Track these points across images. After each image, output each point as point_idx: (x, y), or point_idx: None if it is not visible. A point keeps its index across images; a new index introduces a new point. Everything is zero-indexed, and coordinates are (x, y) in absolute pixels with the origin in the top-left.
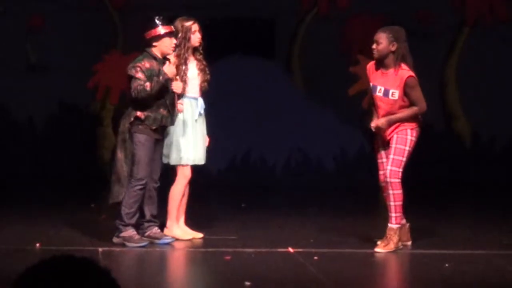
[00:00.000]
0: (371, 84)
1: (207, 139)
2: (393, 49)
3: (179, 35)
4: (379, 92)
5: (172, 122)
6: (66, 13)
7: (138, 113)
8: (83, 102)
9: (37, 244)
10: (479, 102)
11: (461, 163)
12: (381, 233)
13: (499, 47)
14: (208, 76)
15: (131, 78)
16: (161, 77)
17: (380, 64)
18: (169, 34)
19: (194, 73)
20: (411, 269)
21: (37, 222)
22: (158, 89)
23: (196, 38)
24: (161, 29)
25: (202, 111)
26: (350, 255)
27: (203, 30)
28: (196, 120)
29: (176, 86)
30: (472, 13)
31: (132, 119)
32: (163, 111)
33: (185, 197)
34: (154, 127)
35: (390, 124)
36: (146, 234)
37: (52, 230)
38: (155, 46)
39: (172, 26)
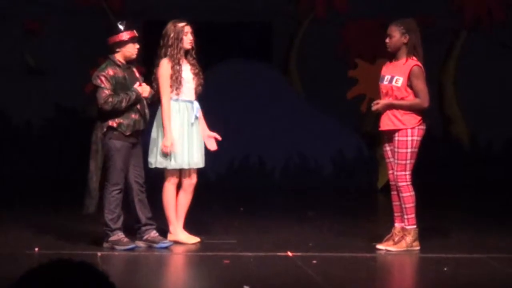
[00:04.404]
0: (381, 76)
1: (214, 140)
2: (405, 41)
3: (171, 35)
4: (385, 81)
5: (145, 125)
6: (64, 17)
7: (110, 122)
8: (80, 105)
9: (36, 249)
10: (477, 105)
11: (459, 166)
12: (381, 236)
13: (497, 51)
14: (202, 81)
15: (96, 87)
16: (134, 95)
17: (393, 56)
18: (133, 40)
19: (189, 77)
20: (410, 272)
21: (35, 226)
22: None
23: (188, 40)
24: (125, 35)
25: (198, 114)
26: (349, 259)
27: (201, 33)
28: (192, 124)
29: (143, 90)
30: (470, 16)
31: (105, 129)
32: (134, 116)
33: (186, 202)
34: (128, 133)
35: (390, 107)
36: (144, 238)
37: (50, 234)
38: (118, 51)
39: (135, 31)
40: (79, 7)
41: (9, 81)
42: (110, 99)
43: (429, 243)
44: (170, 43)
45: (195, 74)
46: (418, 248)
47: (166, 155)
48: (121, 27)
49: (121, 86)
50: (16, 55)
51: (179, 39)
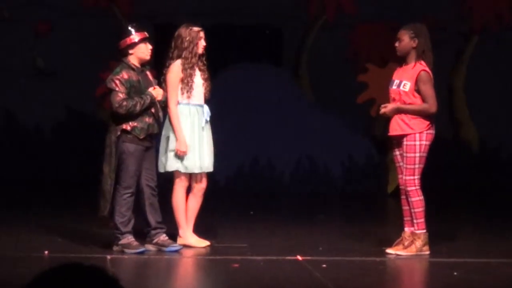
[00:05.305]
0: (391, 80)
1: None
2: (414, 45)
3: (187, 38)
4: (394, 86)
5: (159, 128)
6: (74, 20)
7: (124, 126)
8: (90, 109)
9: (45, 252)
10: (486, 109)
11: (469, 170)
12: (391, 240)
13: (506, 55)
14: (210, 86)
15: (110, 90)
16: (148, 99)
17: (403, 60)
18: (144, 40)
19: (199, 81)
20: (419, 277)
21: (45, 229)
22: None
23: (201, 45)
24: (136, 36)
25: (208, 118)
26: (359, 263)
27: (211, 37)
28: (203, 128)
29: (158, 94)
30: (479, 20)
31: (119, 132)
32: (148, 120)
33: (196, 206)
34: (142, 137)
35: (398, 112)
36: (154, 241)
37: (60, 237)
38: (131, 54)
39: (146, 32)
40: (88, 10)
41: (19, 84)
42: (125, 103)
43: (439, 248)
44: (185, 45)
45: (205, 80)
46: (428, 252)
47: (179, 158)
48: (131, 29)
49: (136, 89)
50: (25, 57)
51: (194, 43)
